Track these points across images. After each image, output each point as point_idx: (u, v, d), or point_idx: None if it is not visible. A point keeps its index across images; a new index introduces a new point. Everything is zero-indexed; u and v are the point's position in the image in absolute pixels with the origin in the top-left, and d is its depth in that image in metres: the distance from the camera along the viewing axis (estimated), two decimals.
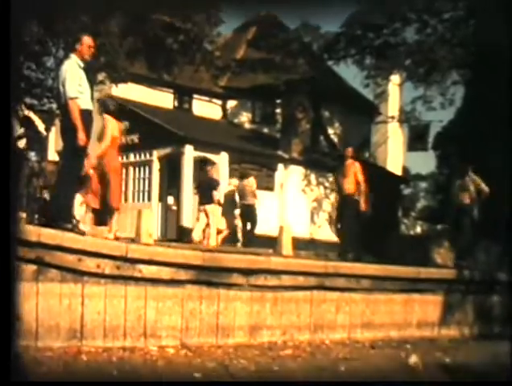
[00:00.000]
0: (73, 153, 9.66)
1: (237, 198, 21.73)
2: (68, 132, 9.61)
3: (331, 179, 32.27)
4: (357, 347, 11.43)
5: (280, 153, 31.90)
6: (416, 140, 34.67)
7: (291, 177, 31.69)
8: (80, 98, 9.70)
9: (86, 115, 9.79)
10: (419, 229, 41.25)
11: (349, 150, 17.17)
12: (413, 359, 10.26)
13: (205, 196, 21.05)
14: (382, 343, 12.10)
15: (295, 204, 30.86)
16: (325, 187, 32.73)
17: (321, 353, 10.48)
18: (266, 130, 34.16)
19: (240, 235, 21.72)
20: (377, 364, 9.84)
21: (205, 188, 21.24)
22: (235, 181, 22.85)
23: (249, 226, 21.36)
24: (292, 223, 21.56)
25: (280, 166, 31.81)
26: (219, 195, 21.59)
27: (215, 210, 21.03)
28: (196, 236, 21.19)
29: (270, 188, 30.33)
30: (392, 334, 12.83)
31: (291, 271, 11.34)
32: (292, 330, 11.25)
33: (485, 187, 17.37)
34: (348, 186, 16.48)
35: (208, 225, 21.10)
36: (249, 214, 21.16)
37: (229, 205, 21.92)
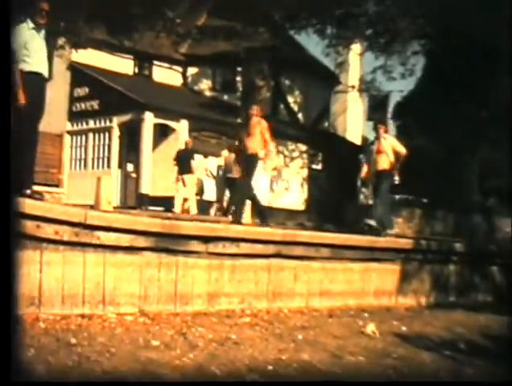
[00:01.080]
0: (19, 116, 9.55)
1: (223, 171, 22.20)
2: (12, 95, 9.54)
3: (290, 147, 32.39)
4: (314, 316, 11.50)
5: (240, 121, 31.85)
6: (376, 109, 34.85)
7: None
8: (23, 61, 9.65)
9: (32, 78, 9.73)
10: None
11: (255, 108, 15.83)
12: (370, 327, 10.36)
13: (183, 167, 21.49)
14: (340, 312, 12.18)
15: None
16: (285, 156, 32.80)
17: (279, 321, 10.52)
18: (226, 98, 34.09)
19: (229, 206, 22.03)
20: (335, 332, 9.91)
21: (183, 159, 21.68)
22: (225, 153, 23.20)
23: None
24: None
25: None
26: (197, 165, 22.01)
27: (192, 180, 21.42)
28: (178, 207, 21.52)
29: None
30: (350, 303, 12.93)
31: (250, 239, 11.36)
32: (250, 298, 11.29)
33: (401, 149, 16.37)
34: (253, 145, 15.14)
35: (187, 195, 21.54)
36: (233, 186, 21.45)
37: (219, 178, 22.39)
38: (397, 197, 38.99)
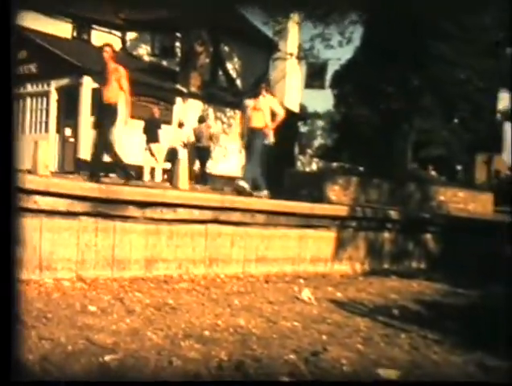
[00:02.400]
0: None
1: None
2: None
3: (229, 114, 32.36)
4: (250, 281, 11.61)
5: (179, 86, 31.70)
6: (314, 77, 34.97)
7: (189, 111, 31.57)
8: None
9: None
10: (314, 166, 41.74)
11: (107, 49, 14.59)
12: (305, 293, 10.48)
13: (151, 136, 21.57)
14: (276, 278, 12.31)
15: (192, 138, 30.85)
16: (223, 122, 32.77)
17: (215, 286, 10.61)
18: (164, 63, 33.87)
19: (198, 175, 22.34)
20: (270, 298, 10.01)
21: (150, 128, 21.78)
22: (196, 123, 23.43)
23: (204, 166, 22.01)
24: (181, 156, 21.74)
25: (178, 99, 31.65)
26: (164, 134, 22.14)
27: (160, 148, 21.54)
28: (147, 176, 21.62)
29: (168, 122, 30.16)
30: (286, 269, 13.07)
31: (187, 204, 11.39)
32: (187, 263, 11.35)
33: (279, 110, 15.74)
34: (110, 94, 14.26)
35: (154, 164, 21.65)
36: (204, 156, 21.70)
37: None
38: (334, 164, 39.41)
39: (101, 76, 14.94)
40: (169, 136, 24.49)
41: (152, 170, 22.83)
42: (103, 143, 14.24)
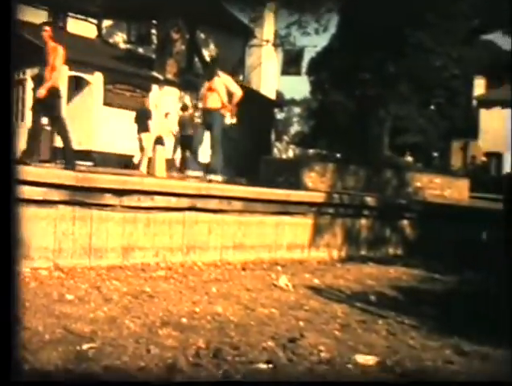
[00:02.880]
0: None
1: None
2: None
3: None
4: (228, 269, 11.62)
5: (155, 74, 31.62)
6: (290, 64, 34.99)
7: (165, 98, 31.50)
8: None
9: None
10: (291, 153, 41.79)
11: (47, 29, 14.47)
12: (282, 280, 10.51)
13: (142, 126, 21.73)
14: (253, 265, 12.33)
15: (169, 126, 30.80)
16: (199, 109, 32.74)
17: (193, 274, 10.61)
18: (141, 51, 33.75)
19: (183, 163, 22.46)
20: (248, 285, 10.03)
21: (141, 118, 21.98)
22: (180, 112, 23.58)
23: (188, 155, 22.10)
24: (167, 145, 21.76)
25: (155, 87, 31.58)
26: (154, 124, 22.33)
27: (149, 138, 21.69)
28: (144, 166, 21.71)
29: None
30: (263, 256, 13.09)
31: (164, 192, 11.38)
32: (165, 251, 11.35)
33: (235, 89, 15.29)
34: (49, 75, 14.31)
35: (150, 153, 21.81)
36: (188, 144, 21.75)
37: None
38: (310, 151, 39.47)
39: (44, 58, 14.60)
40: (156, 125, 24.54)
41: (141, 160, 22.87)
42: (54, 129, 13.92)
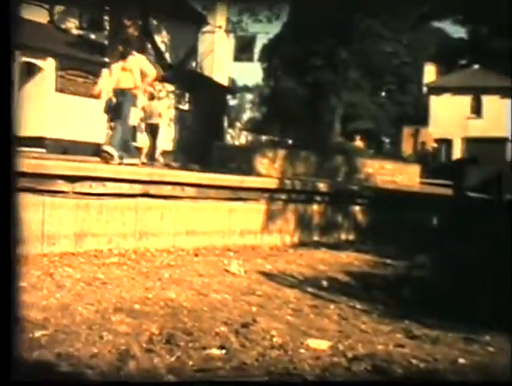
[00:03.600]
0: None
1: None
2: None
3: (157, 88, 32.16)
4: (181, 255, 11.62)
5: (107, 60, 31.37)
6: (243, 51, 35.00)
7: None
8: None
9: None
10: (243, 140, 41.85)
11: None
12: (235, 265, 10.54)
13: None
14: (206, 251, 12.34)
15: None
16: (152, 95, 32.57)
17: (146, 260, 10.60)
18: (93, 37, 33.48)
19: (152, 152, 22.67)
20: (200, 271, 10.06)
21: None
22: (146, 101, 23.59)
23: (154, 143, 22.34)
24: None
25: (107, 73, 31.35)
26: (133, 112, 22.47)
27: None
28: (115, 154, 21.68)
29: (98, 96, 29.86)
30: (216, 242, 13.11)
31: (117, 178, 11.34)
32: (117, 237, 11.31)
33: (149, 69, 14.98)
34: None
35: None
36: (154, 132, 21.86)
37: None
38: (263, 138, 39.54)
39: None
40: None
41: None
42: None
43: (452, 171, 27.71)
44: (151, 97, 23.97)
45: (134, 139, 23.43)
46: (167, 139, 32.24)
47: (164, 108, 30.23)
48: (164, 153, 23.60)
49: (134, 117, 22.34)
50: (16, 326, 4.10)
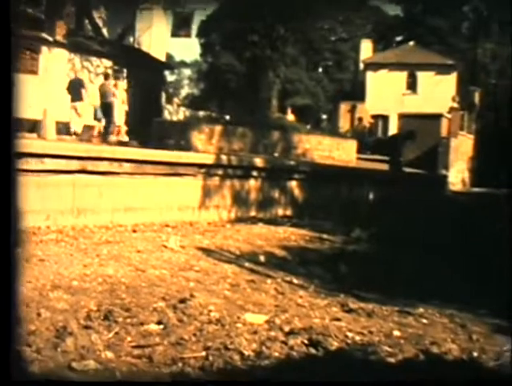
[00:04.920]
0: None
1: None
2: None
3: (95, 63, 31.88)
4: (119, 231, 11.61)
5: (44, 35, 30.92)
6: (180, 27, 34.78)
7: (55, 60, 30.86)
8: None
9: None
10: (181, 115, 41.65)
11: None
12: (173, 241, 10.57)
13: (75, 95, 21.62)
14: (144, 227, 12.34)
15: (59, 88, 30.24)
16: (89, 71, 32.22)
17: (84, 237, 10.57)
18: (30, 11, 32.93)
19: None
20: (139, 247, 10.06)
21: (74, 87, 21.96)
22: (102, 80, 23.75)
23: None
24: (56, 108, 21.50)
25: (44, 48, 30.87)
26: (86, 93, 22.37)
27: (84, 107, 21.77)
28: (76, 131, 21.77)
29: (35, 72, 29.43)
30: (154, 218, 13.10)
31: (54, 154, 11.25)
32: (55, 214, 11.24)
33: None
34: None
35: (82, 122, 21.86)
36: (108, 111, 21.83)
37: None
38: (200, 113, 39.45)
39: None
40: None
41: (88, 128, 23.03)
42: None
43: (388, 147, 28.01)
44: (106, 77, 24.01)
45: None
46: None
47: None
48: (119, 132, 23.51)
49: (86, 96, 22.54)
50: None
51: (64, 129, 21.99)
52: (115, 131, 22.47)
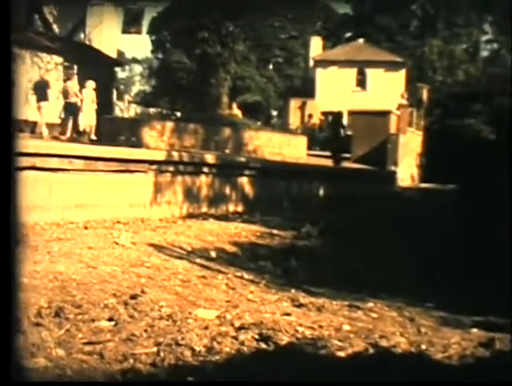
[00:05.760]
0: None
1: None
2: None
3: (45, 59, 31.59)
4: (70, 228, 11.54)
5: None
6: (131, 23, 34.64)
7: None
8: None
9: None
10: (132, 112, 41.50)
11: None
12: (124, 237, 10.55)
13: (40, 95, 22.45)
14: (96, 223, 12.29)
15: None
16: (40, 67, 31.93)
17: (35, 234, 10.50)
18: None
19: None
20: (90, 243, 10.03)
21: (40, 88, 22.14)
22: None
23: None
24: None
25: None
26: (51, 93, 22.61)
27: (49, 106, 21.96)
28: (44, 132, 21.85)
29: None
30: (105, 215, 13.05)
31: None
32: None
33: None
34: None
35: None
36: (74, 111, 22.02)
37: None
38: (151, 110, 39.35)
39: None
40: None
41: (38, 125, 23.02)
42: None
43: (332, 143, 28.16)
44: (69, 78, 24.31)
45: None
46: (55, 111, 31.79)
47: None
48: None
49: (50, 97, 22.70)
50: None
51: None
52: (85, 130, 22.71)
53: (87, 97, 23.14)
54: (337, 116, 24.73)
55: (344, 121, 29.29)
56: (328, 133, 25.58)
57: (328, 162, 25.54)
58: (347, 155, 28.53)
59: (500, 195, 17.09)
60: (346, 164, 27.21)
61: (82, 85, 23.64)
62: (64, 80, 24.39)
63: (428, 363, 4.98)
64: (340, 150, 25.43)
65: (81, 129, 22.79)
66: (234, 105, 36.76)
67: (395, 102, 37.19)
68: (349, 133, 28.63)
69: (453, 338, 5.76)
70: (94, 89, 23.67)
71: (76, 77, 24.53)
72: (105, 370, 4.66)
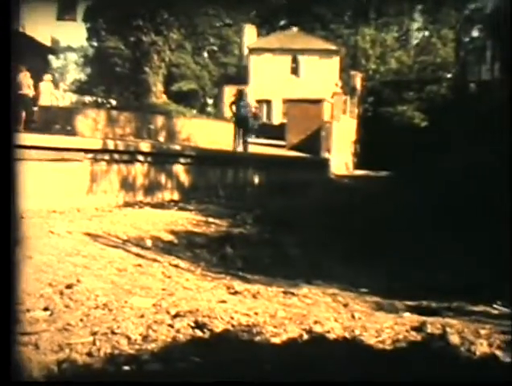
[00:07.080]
0: None
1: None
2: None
3: None
4: None
5: None
6: (66, 10, 34.24)
7: None
8: None
9: None
10: (68, 101, 41.08)
11: None
12: (60, 227, 10.48)
13: None
14: (32, 213, 12.03)
15: None
16: None
17: None
18: None
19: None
20: (26, 233, 9.91)
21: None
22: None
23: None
24: None
25: None
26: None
27: None
28: None
29: None
30: (40, 204, 12.87)
31: None
32: None
33: None
34: None
35: None
36: (24, 102, 21.86)
37: None
38: (87, 99, 39.02)
39: None
40: None
41: None
42: None
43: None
44: (20, 70, 23.93)
45: None
46: None
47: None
48: None
49: None
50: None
51: None
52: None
53: (45, 90, 23.04)
54: (239, 94, 23.60)
55: (251, 100, 28.15)
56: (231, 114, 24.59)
57: (264, 150, 25.67)
58: (257, 140, 28.47)
59: (431, 180, 17.45)
60: (279, 151, 27.36)
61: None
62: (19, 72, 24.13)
63: (362, 347, 5.07)
64: (243, 133, 23.99)
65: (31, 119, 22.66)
66: (162, 93, 36.72)
67: (329, 89, 37.47)
68: (257, 112, 28.25)
69: (386, 323, 5.84)
70: (51, 81, 23.65)
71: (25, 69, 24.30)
72: (41, 361, 4.65)
